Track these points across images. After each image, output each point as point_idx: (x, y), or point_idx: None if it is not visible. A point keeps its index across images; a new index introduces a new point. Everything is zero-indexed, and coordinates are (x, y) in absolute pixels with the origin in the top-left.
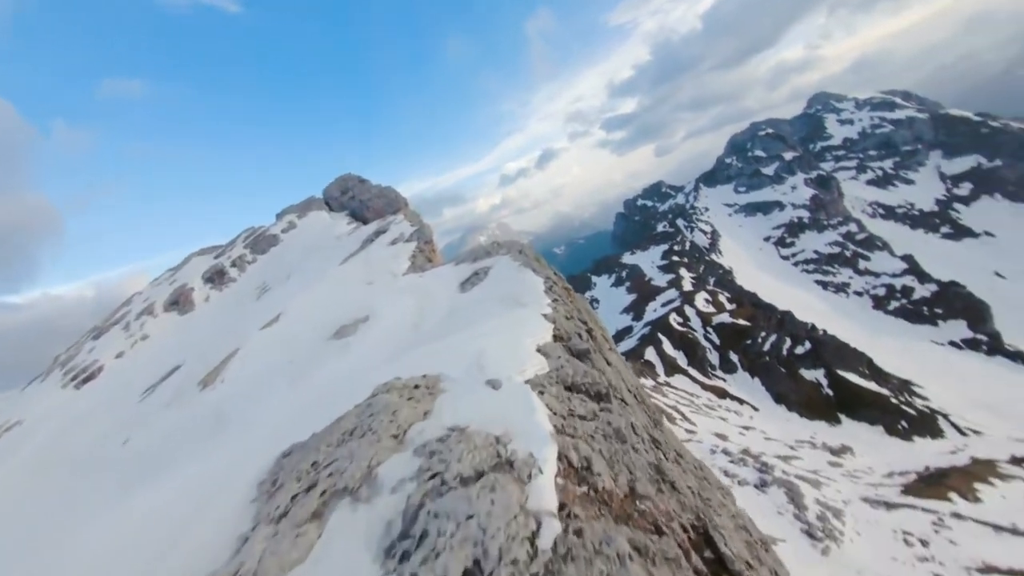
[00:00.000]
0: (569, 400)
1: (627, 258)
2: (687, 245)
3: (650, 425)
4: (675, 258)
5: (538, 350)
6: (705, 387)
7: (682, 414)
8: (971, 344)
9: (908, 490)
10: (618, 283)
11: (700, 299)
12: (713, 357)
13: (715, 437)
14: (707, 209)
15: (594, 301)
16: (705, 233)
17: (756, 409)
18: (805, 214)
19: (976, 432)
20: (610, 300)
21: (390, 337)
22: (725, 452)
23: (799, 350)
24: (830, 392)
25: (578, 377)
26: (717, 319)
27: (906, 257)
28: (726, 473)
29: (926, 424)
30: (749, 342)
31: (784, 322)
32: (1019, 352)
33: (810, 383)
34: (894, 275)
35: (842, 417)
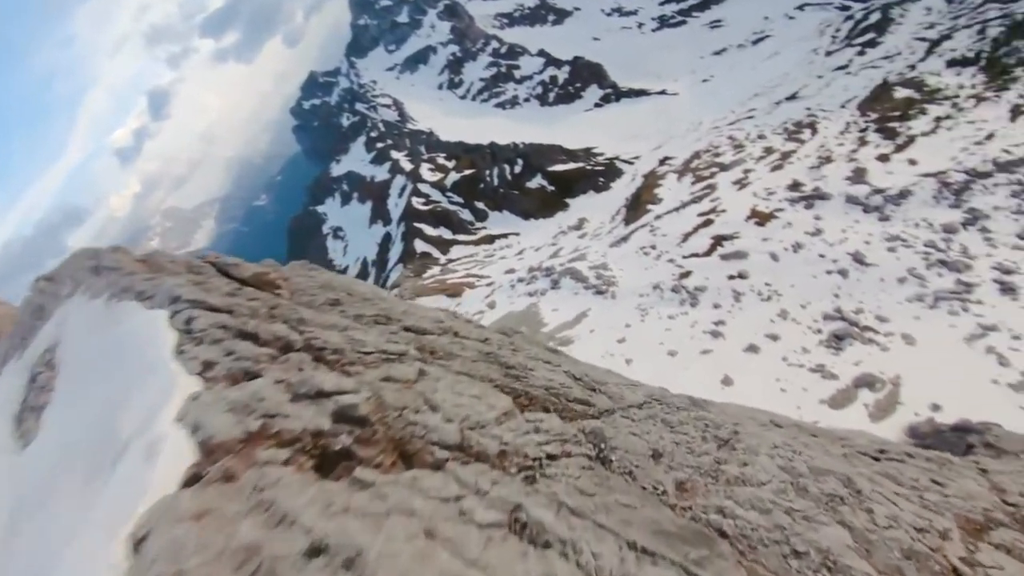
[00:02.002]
0: None
1: (336, 169)
2: (381, 127)
3: None
4: (379, 145)
5: None
6: (476, 243)
7: (476, 275)
8: (605, 99)
9: (627, 220)
10: (346, 200)
11: (425, 171)
12: (465, 215)
13: (506, 275)
14: (375, 82)
15: (338, 231)
16: (389, 107)
17: (517, 234)
18: (455, 49)
19: (636, 158)
20: (352, 221)
21: None
22: (520, 280)
23: (517, 169)
24: (552, 188)
25: None
26: (449, 180)
27: (541, 52)
28: (530, 294)
29: (612, 172)
30: (482, 185)
31: (495, 154)
32: (631, 89)
33: (537, 190)
34: (540, 71)
35: (568, 201)
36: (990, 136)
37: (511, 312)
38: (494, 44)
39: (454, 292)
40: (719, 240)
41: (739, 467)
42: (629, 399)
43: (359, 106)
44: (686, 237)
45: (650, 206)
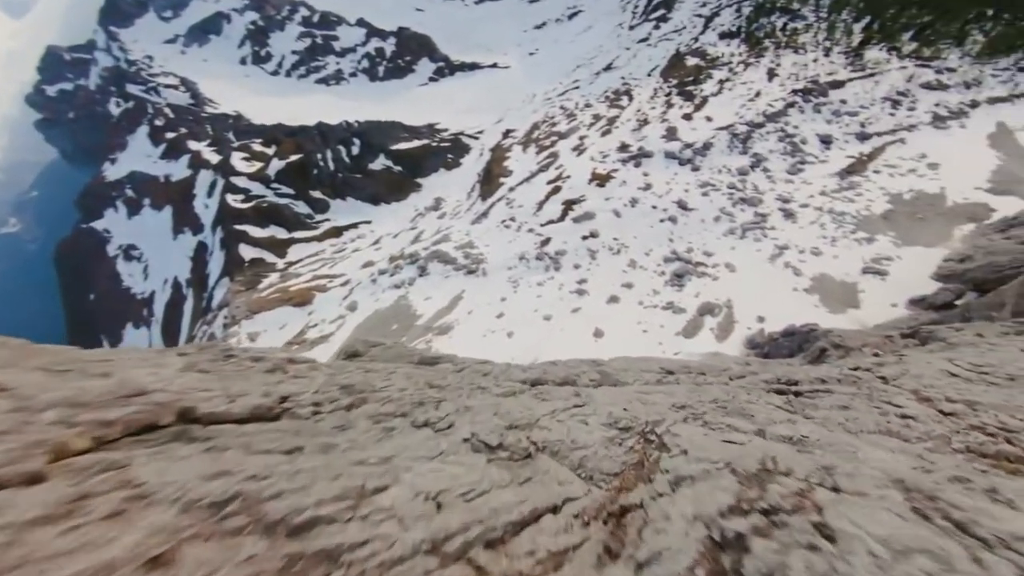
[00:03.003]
0: None
1: (113, 172)
2: (168, 112)
3: None
4: (170, 136)
5: None
6: (320, 239)
7: (328, 276)
8: (439, 72)
9: (483, 195)
10: (135, 209)
11: (238, 162)
12: (301, 207)
13: (365, 269)
14: (151, 58)
15: (131, 250)
16: (176, 88)
17: (369, 222)
18: (254, 16)
19: (480, 132)
20: (148, 234)
21: None
22: (382, 272)
23: (354, 150)
24: (399, 168)
25: None
26: (271, 170)
27: (360, 22)
28: (396, 286)
29: (459, 147)
30: (315, 171)
31: (325, 135)
32: (464, 62)
33: (383, 171)
34: (363, 43)
35: (419, 181)
36: (758, 94)
37: (378, 311)
38: (303, 12)
39: (302, 300)
40: (569, 205)
41: None
42: (586, 443)
43: (132, 88)
44: (540, 205)
45: (502, 179)
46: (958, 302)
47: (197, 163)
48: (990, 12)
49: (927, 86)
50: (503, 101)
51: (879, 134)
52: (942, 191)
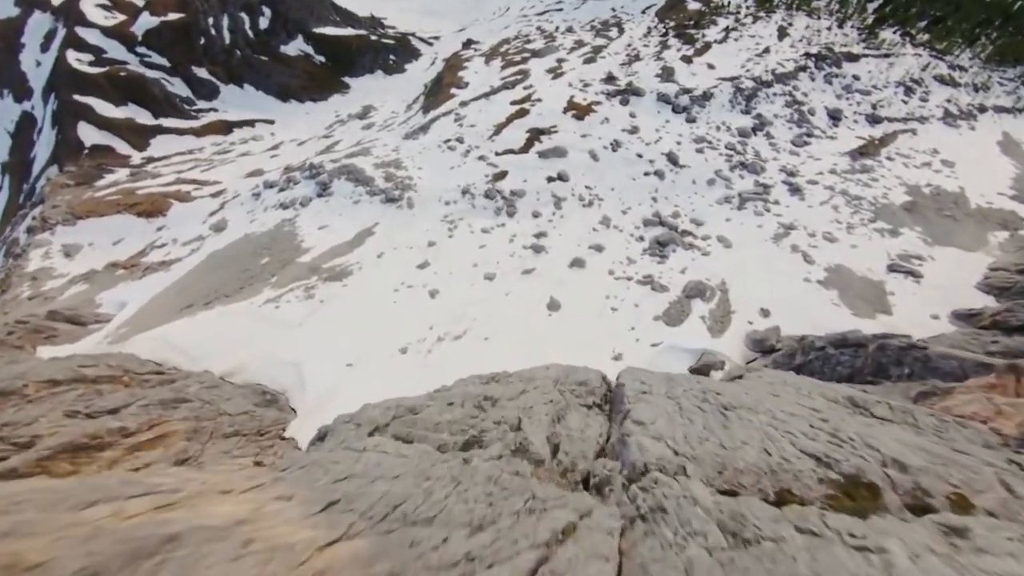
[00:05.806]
0: None
1: None
2: None
3: None
4: None
5: None
6: (200, 133)
7: (197, 181)
8: None
9: (426, 108)
10: None
11: (90, 8)
12: (176, 87)
13: (248, 179)
14: None
15: None
16: None
17: (272, 122)
18: None
19: (436, 38)
20: None
21: None
22: (269, 186)
23: (262, 23)
24: (322, 59)
25: None
26: (139, 27)
27: None
28: (283, 205)
29: (406, 50)
30: (203, 41)
31: None
32: None
33: (301, 59)
34: None
35: (346, 81)
36: (767, 50)
37: (249, 235)
38: None
39: (153, 208)
40: (536, 134)
41: None
42: None
43: None
44: (499, 129)
45: (454, 90)
46: None
47: (28, 2)
48: (996, 22)
49: (940, 79)
50: (469, 9)
51: (890, 120)
52: (962, 191)
